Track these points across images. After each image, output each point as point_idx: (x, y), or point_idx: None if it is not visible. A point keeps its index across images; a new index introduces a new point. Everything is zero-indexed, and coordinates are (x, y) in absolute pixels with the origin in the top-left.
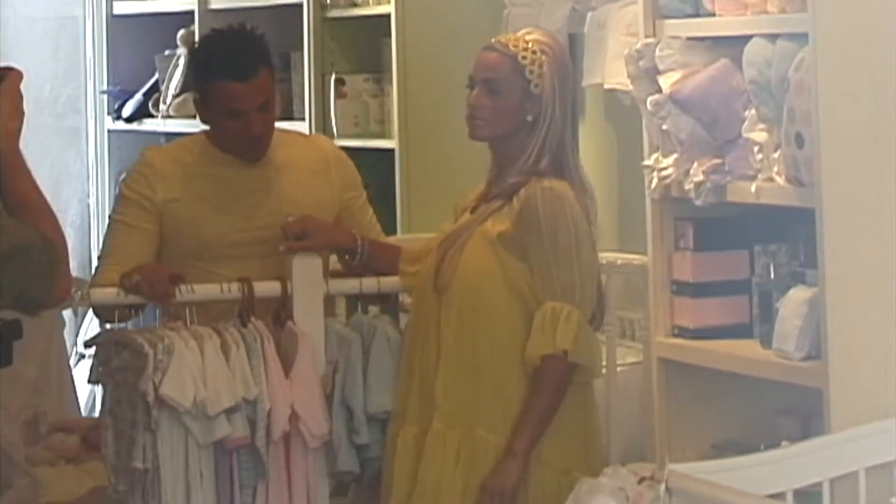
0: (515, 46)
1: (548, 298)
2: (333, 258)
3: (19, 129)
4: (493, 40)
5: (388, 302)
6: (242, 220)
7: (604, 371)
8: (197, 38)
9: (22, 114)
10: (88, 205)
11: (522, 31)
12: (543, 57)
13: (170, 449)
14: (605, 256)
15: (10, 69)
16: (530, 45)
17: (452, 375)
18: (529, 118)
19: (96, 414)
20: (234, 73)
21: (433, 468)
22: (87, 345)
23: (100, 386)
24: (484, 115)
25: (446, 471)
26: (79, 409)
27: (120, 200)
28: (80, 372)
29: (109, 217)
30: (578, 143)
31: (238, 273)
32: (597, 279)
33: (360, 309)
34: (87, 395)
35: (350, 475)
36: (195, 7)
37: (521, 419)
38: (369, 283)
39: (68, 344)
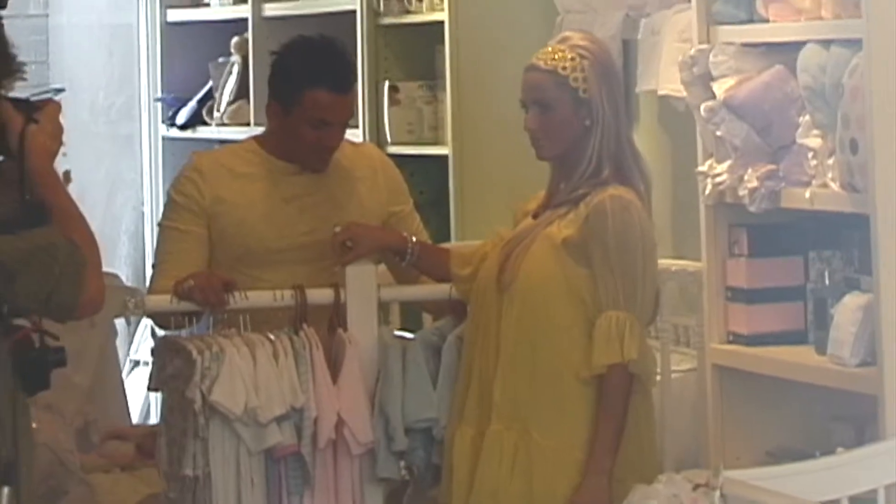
0: (553, 60)
1: (609, 307)
2: (382, 267)
3: (56, 153)
4: (532, 59)
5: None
6: (288, 225)
7: (658, 378)
8: (251, 45)
9: (61, 141)
10: (143, 213)
11: (557, 40)
12: (584, 62)
13: (221, 456)
14: (660, 263)
15: (50, 100)
16: (567, 52)
17: (511, 376)
18: (587, 123)
19: (150, 422)
20: (334, 85)
21: (490, 470)
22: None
23: (159, 393)
24: (544, 135)
25: (503, 473)
26: (129, 417)
27: (170, 206)
28: (134, 380)
29: (160, 224)
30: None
31: (283, 279)
32: (656, 288)
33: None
34: (143, 402)
35: (391, 482)
36: (249, 15)
37: (598, 434)
38: (423, 290)
39: (121, 353)
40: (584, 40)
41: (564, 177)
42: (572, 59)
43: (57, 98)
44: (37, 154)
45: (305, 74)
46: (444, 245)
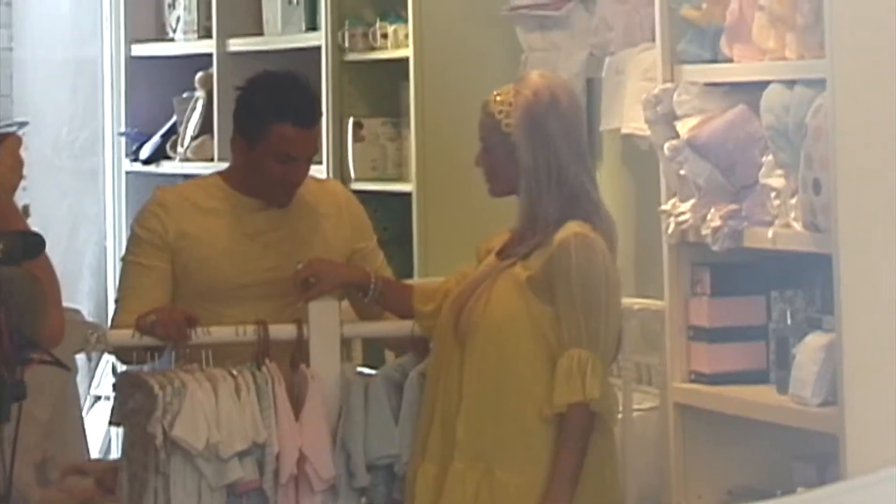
0: (495, 102)
1: (573, 345)
2: (345, 303)
3: (16, 186)
4: (487, 97)
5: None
6: (252, 261)
7: (620, 416)
8: (216, 80)
9: (20, 175)
10: (105, 247)
11: (517, 79)
12: (520, 107)
13: (182, 491)
14: (623, 301)
15: (10, 133)
16: (510, 95)
17: (474, 415)
18: (527, 166)
19: (111, 457)
20: (299, 119)
21: None
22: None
23: (120, 428)
24: (487, 174)
25: None
26: (88, 453)
27: (133, 240)
28: (95, 415)
29: (123, 259)
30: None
31: (247, 314)
32: (619, 327)
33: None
34: (104, 437)
35: None
36: (214, 50)
37: (556, 471)
38: (386, 327)
39: (82, 388)
40: (530, 84)
41: (525, 217)
42: (510, 103)
43: (20, 132)
44: None
45: (271, 109)
46: (408, 281)
